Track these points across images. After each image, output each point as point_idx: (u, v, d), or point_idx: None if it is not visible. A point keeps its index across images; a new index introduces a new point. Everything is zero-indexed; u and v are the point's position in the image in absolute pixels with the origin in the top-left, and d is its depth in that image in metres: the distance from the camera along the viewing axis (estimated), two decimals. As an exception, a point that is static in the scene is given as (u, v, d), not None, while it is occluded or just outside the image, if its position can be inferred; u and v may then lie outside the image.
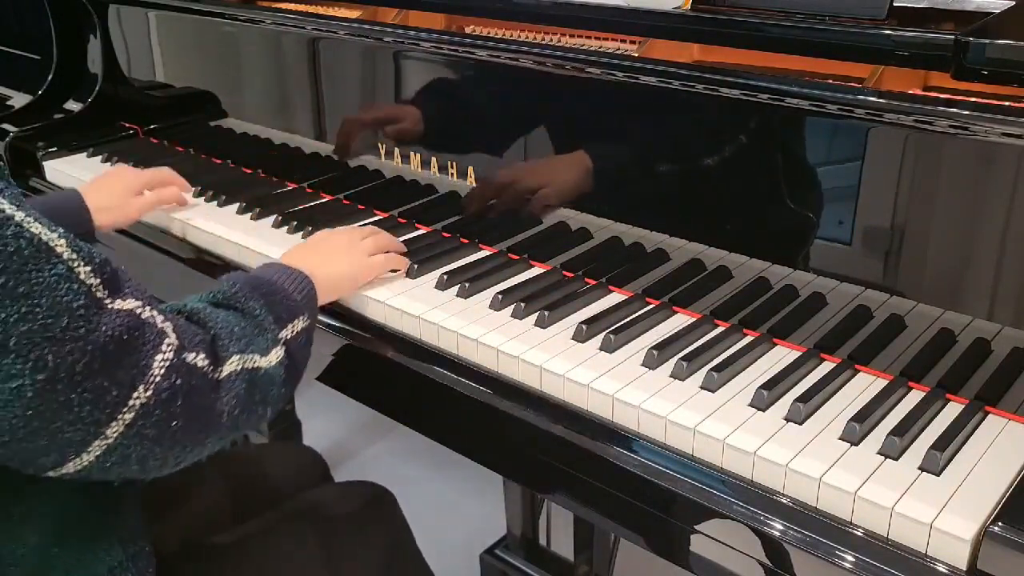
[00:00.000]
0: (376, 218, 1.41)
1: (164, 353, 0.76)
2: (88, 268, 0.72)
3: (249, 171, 1.65)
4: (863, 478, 0.81)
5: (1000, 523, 0.74)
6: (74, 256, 0.71)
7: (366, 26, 1.39)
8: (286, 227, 1.39)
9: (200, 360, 0.81)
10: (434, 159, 1.33)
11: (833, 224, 0.99)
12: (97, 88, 1.88)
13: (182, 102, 1.78)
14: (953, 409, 0.91)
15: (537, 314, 1.09)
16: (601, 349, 1.03)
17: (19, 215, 0.68)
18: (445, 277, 1.19)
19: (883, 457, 0.84)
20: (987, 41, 0.88)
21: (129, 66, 1.85)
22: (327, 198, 1.51)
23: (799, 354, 1.01)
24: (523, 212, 1.25)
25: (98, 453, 0.74)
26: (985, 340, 0.92)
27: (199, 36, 1.69)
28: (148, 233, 1.50)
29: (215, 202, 1.50)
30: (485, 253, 1.29)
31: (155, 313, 0.77)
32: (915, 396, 0.94)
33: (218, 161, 1.72)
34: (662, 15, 1.12)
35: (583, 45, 1.24)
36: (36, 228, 0.69)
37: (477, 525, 1.90)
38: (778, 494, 0.84)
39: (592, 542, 1.59)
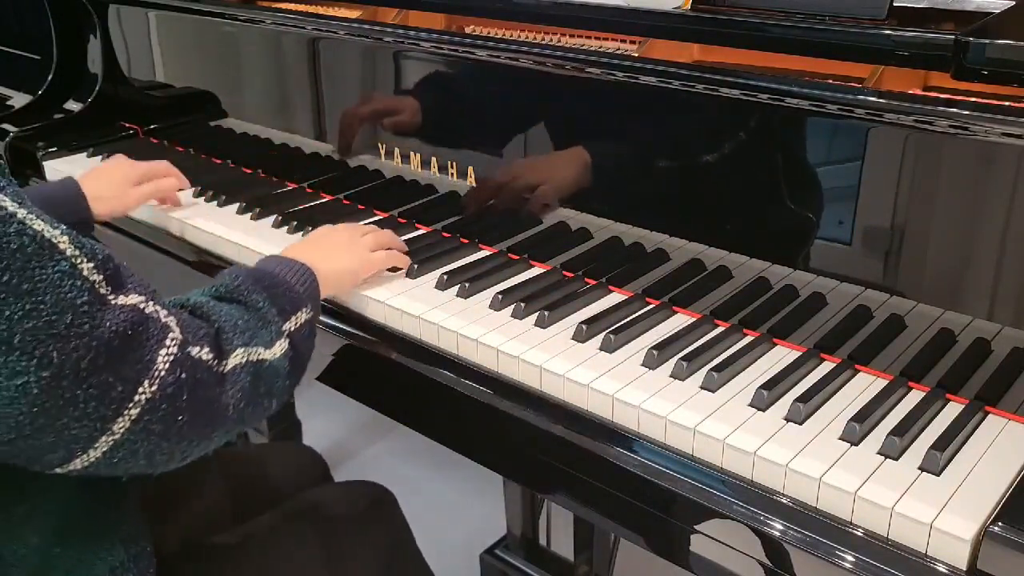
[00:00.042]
0: (376, 218, 1.41)
1: (168, 348, 0.76)
2: (91, 264, 0.72)
3: (249, 171, 1.65)
4: (863, 478, 0.81)
5: (1000, 523, 0.74)
6: (77, 253, 0.71)
7: (366, 26, 1.39)
8: (286, 227, 1.39)
9: (204, 354, 0.81)
10: (434, 159, 1.33)
11: (833, 224, 0.99)
12: (97, 88, 1.88)
13: (182, 102, 1.78)
14: (953, 409, 0.91)
15: (537, 314, 1.09)
16: (601, 349, 1.03)
17: (21, 212, 0.68)
18: (445, 277, 1.19)
19: (883, 457, 0.84)
20: (987, 41, 0.88)
21: (129, 66, 1.85)
22: (327, 198, 1.51)
23: (799, 354, 1.02)
24: (523, 212, 1.25)
25: (105, 449, 0.74)
26: (985, 340, 0.92)
27: (199, 36, 1.69)
28: (148, 233, 1.50)
29: (215, 202, 1.50)
30: (485, 253, 1.29)
31: (158, 308, 0.77)
32: (915, 396, 0.94)
33: (218, 161, 1.72)
34: (662, 15, 1.12)
35: (583, 45, 1.24)
36: (39, 225, 0.69)
37: (477, 525, 1.90)
38: (778, 494, 0.84)
39: (592, 542, 1.59)
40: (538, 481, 1.10)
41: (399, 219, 1.40)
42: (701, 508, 0.87)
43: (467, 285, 1.17)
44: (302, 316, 0.97)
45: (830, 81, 1.01)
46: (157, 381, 0.75)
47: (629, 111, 1.13)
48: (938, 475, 0.82)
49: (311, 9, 1.53)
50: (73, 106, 1.90)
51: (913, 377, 0.95)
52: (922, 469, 0.82)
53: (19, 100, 1.97)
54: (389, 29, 1.34)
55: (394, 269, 1.23)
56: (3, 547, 0.79)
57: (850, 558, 0.78)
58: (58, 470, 0.75)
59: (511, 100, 1.25)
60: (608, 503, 0.95)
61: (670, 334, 1.06)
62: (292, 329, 0.95)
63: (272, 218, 1.42)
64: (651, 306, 1.12)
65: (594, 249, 1.20)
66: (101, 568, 0.86)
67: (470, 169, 1.29)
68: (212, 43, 1.66)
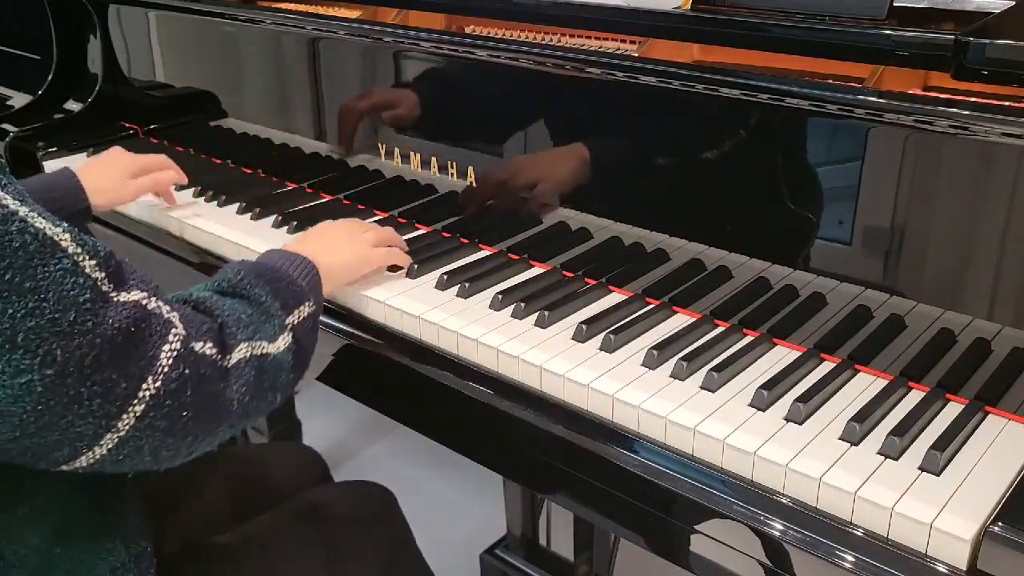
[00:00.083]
0: (376, 218, 1.41)
1: (171, 343, 0.76)
2: (93, 262, 0.72)
3: (249, 171, 1.65)
4: (863, 478, 0.81)
5: (1000, 523, 0.74)
6: (79, 250, 0.71)
7: (366, 26, 1.39)
8: (286, 227, 1.39)
9: (208, 349, 0.81)
10: (434, 159, 1.33)
11: (833, 224, 0.99)
12: (97, 88, 1.88)
13: (182, 102, 1.78)
14: (953, 409, 0.91)
15: (537, 314, 1.09)
16: (601, 349, 1.03)
17: (23, 210, 0.68)
18: (445, 277, 1.19)
19: (883, 457, 0.84)
20: (987, 41, 0.88)
21: (129, 66, 1.85)
22: (327, 198, 1.51)
23: (799, 354, 1.02)
24: (523, 212, 1.25)
25: (111, 446, 0.74)
26: (985, 340, 0.92)
27: (199, 36, 1.69)
28: (148, 233, 1.50)
29: (215, 202, 1.50)
30: (485, 253, 1.29)
31: (161, 303, 0.77)
32: (915, 396, 0.94)
33: (218, 161, 1.72)
34: (662, 15, 1.12)
35: (583, 45, 1.24)
36: (40, 223, 0.69)
37: (477, 525, 1.90)
38: (778, 494, 0.84)
39: (592, 542, 1.59)
40: (538, 481, 1.10)
41: (399, 219, 1.40)
42: (701, 508, 0.87)
43: (467, 285, 1.17)
44: (305, 309, 0.97)
45: (830, 81, 1.01)
46: (161, 377, 0.75)
47: (629, 111, 1.13)
48: (938, 475, 0.82)
49: (311, 9, 1.53)
50: (73, 106, 1.90)
51: (913, 377, 0.95)
52: (922, 469, 0.82)
53: (19, 100, 1.97)
54: (389, 29, 1.34)
55: (394, 269, 1.23)
56: (4, 547, 0.79)
57: (850, 558, 0.78)
58: (64, 467, 0.75)
59: (511, 100, 1.25)
60: (608, 503, 0.95)
61: (670, 334, 1.06)
62: (295, 322, 0.95)
63: (272, 218, 1.42)
64: (651, 306, 1.12)
65: (594, 249, 1.20)
66: (102, 568, 0.86)
67: (470, 169, 1.29)
68: (212, 43, 1.66)
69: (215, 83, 1.69)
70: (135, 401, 0.73)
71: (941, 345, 0.94)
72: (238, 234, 1.38)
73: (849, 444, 0.86)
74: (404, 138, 1.37)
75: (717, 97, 1.02)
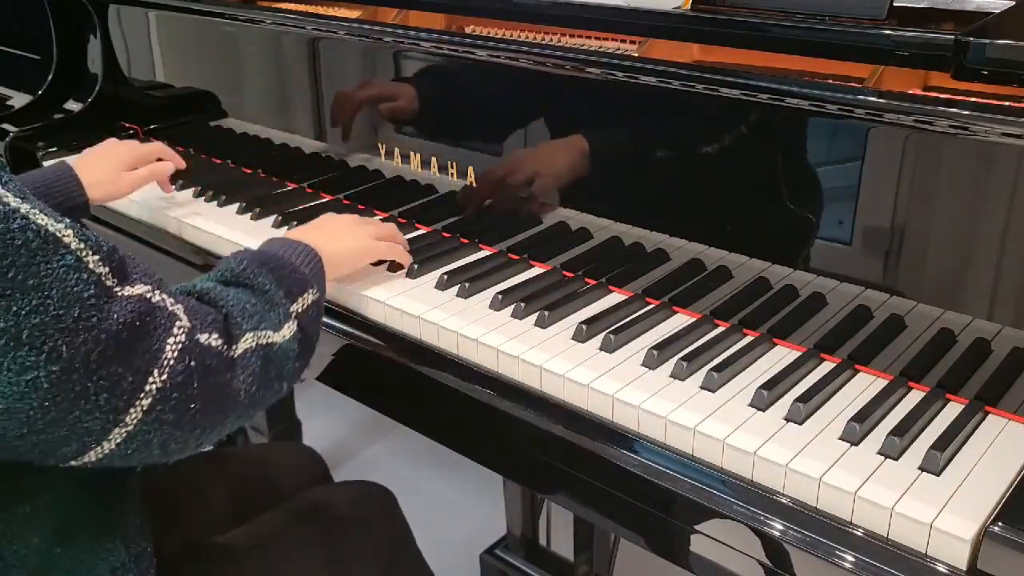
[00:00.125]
0: (377, 218, 1.41)
1: (176, 336, 0.76)
2: (96, 257, 0.72)
3: (249, 171, 1.65)
4: (863, 478, 0.81)
5: (1000, 523, 0.74)
6: (82, 246, 0.71)
7: (366, 26, 1.39)
8: (286, 227, 1.39)
9: (213, 340, 0.81)
10: (434, 159, 1.33)
11: (833, 224, 0.99)
12: (97, 88, 1.88)
13: (182, 102, 1.78)
14: (953, 409, 0.91)
15: (537, 314, 1.09)
16: (601, 349, 1.03)
17: (24, 207, 0.68)
18: (445, 277, 1.19)
19: (883, 457, 0.84)
20: (987, 41, 0.88)
21: (129, 66, 1.85)
22: (327, 198, 1.51)
23: (799, 354, 1.02)
24: (523, 211, 1.25)
25: (119, 440, 0.74)
26: (985, 340, 0.92)
27: (199, 36, 1.69)
28: (148, 233, 1.50)
29: (215, 202, 1.50)
30: (485, 253, 1.29)
31: (165, 296, 0.77)
32: (915, 396, 0.94)
33: (218, 161, 1.72)
34: (662, 15, 1.12)
35: (583, 45, 1.24)
36: (42, 220, 0.69)
37: (477, 525, 1.90)
38: (778, 494, 0.84)
39: (592, 542, 1.59)
40: (538, 481, 1.10)
41: (399, 219, 1.40)
42: (701, 508, 0.87)
43: (467, 285, 1.17)
44: (309, 297, 0.97)
45: (830, 81, 1.01)
46: (167, 370, 0.75)
47: (629, 111, 1.13)
48: (938, 475, 0.82)
49: (311, 9, 1.53)
50: (73, 106, 1.90)
51: (913, 377, 0.95)
52: (922, 469, 0.82)
53: (19, 100, 1.97)
54: (389, 29, 1.34)
55: (394, 268, 1.23)
56: (4, 547, 0.79)
57: (850, 558, 0.78)
58: (73, 463, 0.75)
59: (511, 100, 1.25)
60: (608, 503, 0.95)
61: (670, 334, 1.06)
62: (299, 310, 0.95)
63: (272, 218, 1.42)
64: (651, 306, 1.12)
65: (594, 249, 1.20)
66: (102, 568, 0.86)
67: (470, 169, 1.29)
68: (212, 43, 1.66)
69: (215, 83, 1.69)
70: (142, 395, 0.73)
71: (941, 345, 0.94)
72: (238, 234, 1.38)
73: (849, 444, 0.86)
74: (404, 138, 1.37)
75: (717, 97, 1.02)
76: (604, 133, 1.17)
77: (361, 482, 1.28)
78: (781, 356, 1.02)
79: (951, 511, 0.77)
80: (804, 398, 0.91)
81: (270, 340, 0.87)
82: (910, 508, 0.78)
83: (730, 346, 1.03)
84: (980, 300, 0.91)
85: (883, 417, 0.90)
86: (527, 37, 1.30)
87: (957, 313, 0.93)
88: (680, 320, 1.10)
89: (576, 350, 1.04)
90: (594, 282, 1.18)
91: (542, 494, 1.45)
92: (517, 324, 1.09)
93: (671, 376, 0.98)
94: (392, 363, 1.14)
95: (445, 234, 1.34)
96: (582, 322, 1.06)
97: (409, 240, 1.30)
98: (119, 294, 0.73)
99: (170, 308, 0.77)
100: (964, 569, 0.75)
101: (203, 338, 0.79)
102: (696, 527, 0.88)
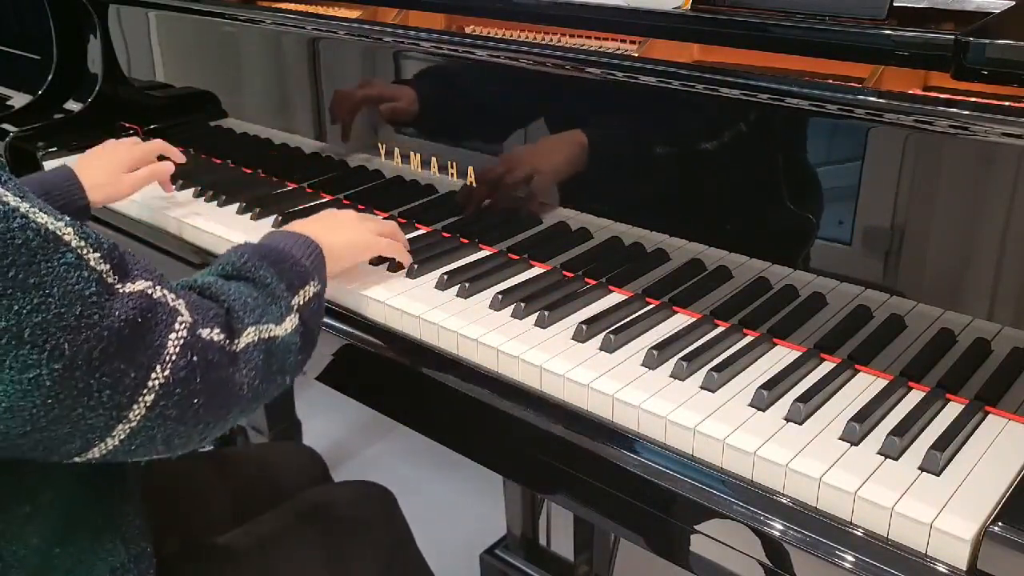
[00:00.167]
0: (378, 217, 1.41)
1: (178, 332, 0.76)
2: (97, 254, 0.72)
3: (249, 171, 1.65)
4: (863, 478, 0.81)
5: (1000, 523, 0.74)
6: (82, 244, 0.71)
7: (366, 26, 1.39)
8: (286, 227, 1.39)
9: (215, 335, 0.81)
10: (434, 159, 1.33)
11: (833, 224, 0.99)
12: (97, 88, 1.88)
13: (182, 102, 1.78)
14: (953, 409, 0.91)
15: (537, 314, 1.09)
16: (601, 349, 1.03)
17: (24, 206, 0.68)
18: (445, 277, 1.19)
19: (883, 457, 0.84)
20: (987, 41, 0.88)
21: (129, 66, 1.85)
22: (327, 198, 1.51)
23: (799, 354, 1.02)
24: (523, 211, 1.25)
25: (123, 436, 0.74)
26: (985, 340, 0.92)
27: (199, 36, 1.69)
28: (148, 233, 1.50)
29: (215, 202, 1.50)
30: (485, 253, 1.29)
31: (166, 292, 0.77)
32: (915, 396, 0.94)
33: (218, 161, 1.72)
34: (662, 15, 1.12)
35: (583, 45, 1.24)
36: (42, 218, 0.69)
37: (477, 525, 1.90)
38: (778, 494, 0.84)
39: (592, 542, 1.59)
40: (538, 481, 1.10)
41: (399, 219, 1.40)
42: (701, 508, 0.87)
43: (467, 285, 1.17)
44: (310, 290, 0.97)
45: (830, 81, 1.01)
46: (169, 366, 0.75)
47: (629, 111, 1.13)
48: (938, 475, 0.82)
49: (311, 9, 1.53)
50: (73, 106, 1.90)
51: (913, 377, 0.95)
52: (922, 469, 0.82)
53: (19, 100, 1.97)
54: (389, 29, 1.34)
55: (394, 268, 1.23)
56: (3, 548, 0.79)
57: (850, 558, 0.78)
58: (77, 459, 0.75)
59: (511, 100, 1.25)
60: (608, 503, 0.95)
61: (670, 334, 1.06)
62: (301, 303, 0.95)
63: (272, 218, 1.42)
64: (651, 306, 1.12)
65: (594, 249, 1.20)
66: (101, 568, 0.86)
67: (470, 169, 1.29)
68: (212, 43, 1.66)
69: (215, 83, 1.69)
70: (145, 391, 0.73)
71: (941, 345, 0.94)
72: (238, 234, 1.38)
73: (849, 444, 0.86)
74: (404, 138, 1.37)
75: (717, 97, 1.02)
76: (604, 133, 1.17)
77: (361, 482, 1.28)
78: (781, 356, 1.02)
79: (951, 511, 0.77)
80: (804, 398, 0.91)
81: (272, 334, 0.88)
82: (910, 508, 0.78)
83: (730, 346, 1.03)
84: (980, 300, 0.91)
85: (883, 417, 0.90)
86: (527, 37, 1.30)
87: (957, 313, 0.93)
88: (680, 320, 1.10)
89: (576, 350, 1.04)
90: (594, 282, 1.18)
91: (542, 494, 1.45)
92: (517, 324, 1.09)
93: (671, 376, 0.98)
94: (392, 363, 1.14)
95: (445, 234, 1.34)
96: (582, 322, 1.06)
97: (409, 240, 1.30)
98: (120, 291, 0.73)
99: (171, 304, 0.77)
100: (964, 569, 0.75)
101: (205, 333, 0.79)
102: (696, 527, 0.88)
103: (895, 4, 0.99)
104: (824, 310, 1.02)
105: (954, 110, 0.86)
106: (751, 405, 0.93)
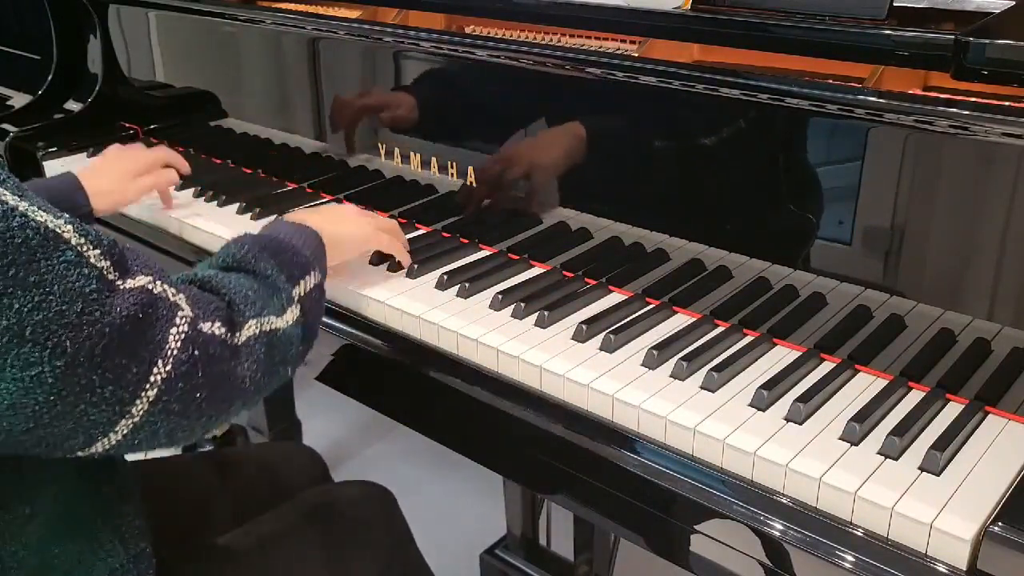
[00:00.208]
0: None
1: (179, 326, 0.76)
2: (97, 251, 0.72)
3: (249, 171, 1.65)
4: (863, 478, 0.81)
5: (1000, 523, 0.74)
6: (82, 241, 0.71)
7: (366, 26, 1.39)
8: (286, 227, 1.39)
9: (217, 328, 0.81)
10: (434, 159, 1.33)
11: (833, 224, 0.99)
12: (97, 88, 1.88)
13: (182, 102, 1.78)
14: (953, 409, 0.91)
15: (537, 314, 1.09)
16: (601, 349, 1.03)
17: (23, 205, 0.68)
18: (445, 277, 1.19)
19: (883, 457, 0.84)
20: (987, 41, 0.88)
21: (129, 66, 1.85)
22: (327, 198, 1.50)
23: (799, 354, 1.02)
24: (523, 211, 1.25)
25: (126, 431, 0.74)
26: (985, 340, 0.92)
27: (199, 36, 1.69)
28: (148, 233, 1.50)
29: (215, 202, 1.50)
30: (485, 253, 1.29)
31: (167, 287, 0.77)
32: (915, 396, 0.94)
33: (218, 161, 1.72)
34: (662, 15, 1.12)
35: (583, 45, 1.24)
36: (41, 216, 0.69)
37: (477, 525, 1.90)
38: (778, 494, 0.84)
39: (592, 542, 1.59)
40: (538, 481, 1.10)
41: (399, 219, 1.40)
42: (701, 508, 0.87)
43: (467, 285, 1.17)
44: (311, 281, 0.97)
45: (830, 81, 1.01)
46: (171, 360, 0.75)
47: (629, 111, 1.13)
48: (938, 475, 0.82)
49: (311, 9, 1.53)
50: (73, 106, 1.90)
51: (913, 377, 0.95)
52: (922, 469, 0.82)
53: (19, 100, 1.97)
54: (389, 29, 1.34)
55: (394, 268, 1.23)
56: (2, 548, 0.79)
57: (850, 558, 0.78)
58: (80, 454, 0.75)
59: (511, 100, 1.25)
60: (608, 503, 0.95)
61: (670, 334, 1.06)
62: (302, 294, 0.94)
63: (272, 218, 1.42)
64: (651, 306, 1.12)
65: (594, 249, 1.20)
66: (101, 569, 0.86)
67: (470, 169, 1.29)
68: (212, 43, 1.66)
69: (215, 83, 1.69)
70: (147, 386, 0.73)
71: (941, 345, 0.94)
72: (238, 234, 1.38)
73: (849, 444, 0.86)
74: (404, 138, 1.37)
75: (717, 97, 1.02)
76: (604, 134, 1.17)
77: (361, 482, 1.28)
78: (781, 356, 1.02)
79: (951, 511, 0.77)
80: (804, 398, 0.91)
81: (273, 326, 0.88)
82: (910, 508, 0.78)
83: (730, 346, 1.03)
84: (980, 300, 0.91)
85: (883, 417, 0.90)
86: (527, 37, 1.30)
87: (957, 313, 0.93)
88: (680, 320, 1.10)
89: (576, 350, 1.04)
90: (594, 282, 1.18)
91: (542, 494, 1.45)
92: (517, 324, 1.09)
93: (671, 376, 0.98)
94: (392, 363, 1.14)
95: (445, 234, 1.34)
96: (582, 322, 1.06)
97: (409, 240, 1.30)
98: (121, 287, 0.73)
99: (172, 298, 0.77)
100: (964, 569, 0.75)
101: (206, 327, 0.79)
102: (696, 527, 0.88)
103: (895, 4, 0.99)
104: (824, 310, 1.02)
105: (954, 110, 0.86)
106: (751, 405, 0.93)
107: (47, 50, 1.91)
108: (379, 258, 1.26)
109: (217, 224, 1.42)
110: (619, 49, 1.20)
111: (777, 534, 0.82)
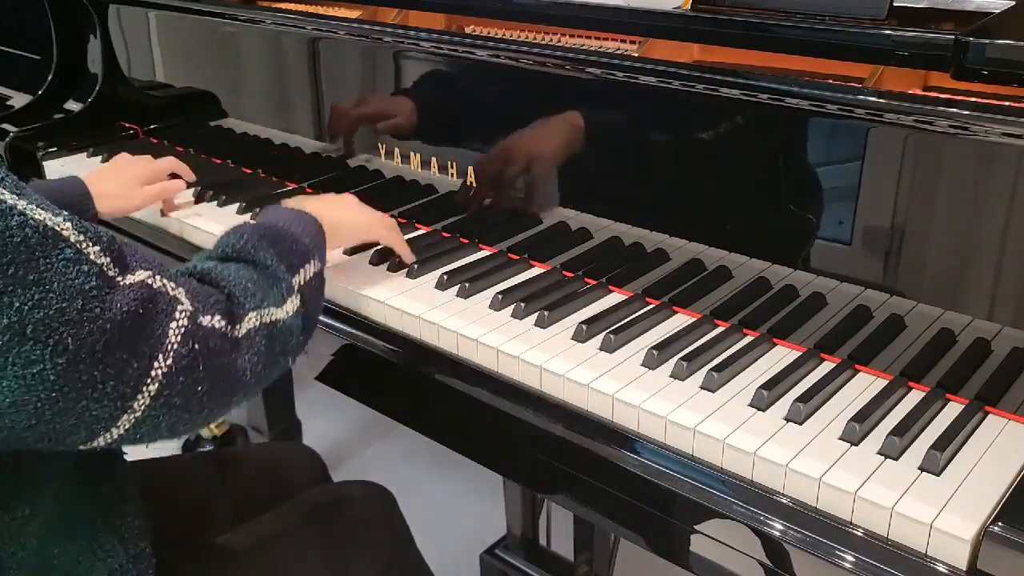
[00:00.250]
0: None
1: (179, 320, 0.76)
2: (97, 248, 0.72)
3: (249, 171, 1.65)
4: (863, 478, 0.81)
5: (1000, 523, 0.74)
6: (81, 238, 0.71)
7: (366, 26, 1.39)
8: (286, 227, 1.39)
9: (216, 322, 0.81)
10: (434, 159, 1.33)
11: (833, 224, 0.99)
12: (97, 88, 1.88)
13: (182, 102, 1.78)
14: (953, 409, 0.91)
15: (537, 314, 1.09)
16: (601, 349, 1.03)
17: (21, 203, 0.68)
18: (445, 277, 1.19)
19: (883, 457, 0.84)
20: (987, 41, 0.88)
21: (129, 66, 1.85)
22: (327, 198, 1.51)
23: (799, 354, 1.01)
24: (523, 211, 1.25)
25: (128, 426, 0.74)
26: (985, 340, 0.92)
27: (199, 36, 1.69)
28: (148, 233, 1.50)
29: (215, 202, 1.50)
30: (485, 253, 1.29)
31: (166, 281, 0.77)
32: (915, 396, 0.94)
33: (218, 161, 1.72)
34: (662, 15, 1.12)
35: (583, 45, 1.24)
36: (40, 215, 0.69)
37: (477, 525, 1.90)
38: (778, 494, 0.84)
39: (592, 542, 1.59)
40: (538, 481, 1.10)
41: (399, 219, 1.40)
42: (701, 508, 0.87)
43: (467, 285, 1.17)
44: (310, 269, 0.97)
45: (830, 81, 1.01)
46: (171, 355, 0.75)
47: (629, 111, 1.13)
48: (938, 475, 0.82)
49: (311, 9, 1.53)
50: (73, 106, 1.90)
51: (913, 377, 0.95)
52: (922, 469, 0.82)
53: (19, 100, 1.97)
54: (389, 29, 1.34)
55: (394, 268, 1.23)
56: (1, 549, 0.79)
57: (850, 558, 0.78)
58: (81, 447, 0.75)
59: (511, 100, 1.25)
60: (608, 503, 0.95)
61: (670, 334, 1.06)
62: (302, 283, 0.94)
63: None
64: (651, 306, 1.12)
65: (594, 249, 1.20)
66: (100, 569, 0.86)
67: (470, 169, 1.29)
68: (212, 43, 1.66)
69: (215, 83, 1.69)
70: (148, 380, 0.74)
71: (941, 345, 0.94)
72: (238, 234, 1.38)
73: (849, 444, 0.86)
74: (404, 138, 1.37)
75: (717, 97, 1.02)
76: (604, 134, 1.17)
77: (361, 482, 1.28)
78: (781, 356, 1.02)
79: (951, 511, 0.77)
80: (804, 398, 0.91)
81: (274, 317, 0.87)
82: (910, 508, 0.78)
83: (730, 346, 1.03)
84: (980, 300, 0.91)
85: (883, 417, 0.90)
86: (527, 37, 1.30)
87: (957, 313, 0.93)
88: (680, 320, 1.10)
89: (576, 350, 1.04)
90: (594, 282, 1.18)
91: (542, 494, 1.45)
92: (517, 324, 1.09)
93: (671, 376, 0.98)
94: (392, 363, 1.14)
95: (445, 234, 1.34)
96: (582, 322, 1.06)
97: (409, 240, 1.30)
98: (121, 283, 0.73)
99: (171, 292, 0.77)
100: (964, 569, 0.75)
101: (205, 321, 0.79)
102: (696, 527, 0.88)
103: (895, 4, 0.99)
104: (824, 310, 1.02)
105: (954, 110, 0.86)
106: (751, 405, 0.93)
107: (47, 50, 1.91)
108: (379, 258, 1.26)
109: (217, 224, 1.42)
110: (619, 49, 1.20)
111: (777, 534, 0.82)
